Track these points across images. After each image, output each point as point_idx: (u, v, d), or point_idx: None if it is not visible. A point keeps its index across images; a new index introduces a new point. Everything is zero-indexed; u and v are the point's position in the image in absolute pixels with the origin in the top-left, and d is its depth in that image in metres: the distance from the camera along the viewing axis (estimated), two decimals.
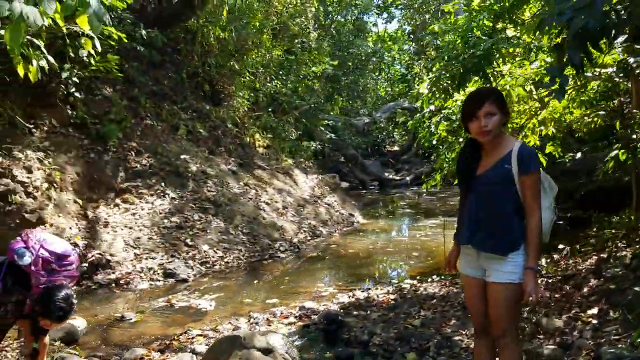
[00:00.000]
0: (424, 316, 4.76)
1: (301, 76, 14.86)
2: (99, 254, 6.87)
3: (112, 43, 8.31)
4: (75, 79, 8.11)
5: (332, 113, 16.83)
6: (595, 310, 3.84)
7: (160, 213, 8.07)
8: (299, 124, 16.62)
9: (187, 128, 10.12)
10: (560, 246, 5.60)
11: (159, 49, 10.34)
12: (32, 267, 2.68)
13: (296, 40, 15.27)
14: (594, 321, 3.71)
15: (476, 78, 5.17)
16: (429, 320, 4.61)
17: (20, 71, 5.95)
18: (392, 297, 5.61)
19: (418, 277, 6.64)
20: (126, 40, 8.50)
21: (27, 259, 2.66)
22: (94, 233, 7.16)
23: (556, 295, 4.45)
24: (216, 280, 6.92)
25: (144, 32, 9.61)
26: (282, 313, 5.32)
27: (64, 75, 7.76)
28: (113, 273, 6.77)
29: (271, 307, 5.62)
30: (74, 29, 6.69)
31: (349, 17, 18.23)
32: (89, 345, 4.71)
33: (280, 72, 14.66)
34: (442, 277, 6.40)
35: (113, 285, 6.61)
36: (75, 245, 6.75)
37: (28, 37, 5.92)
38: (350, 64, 16.48)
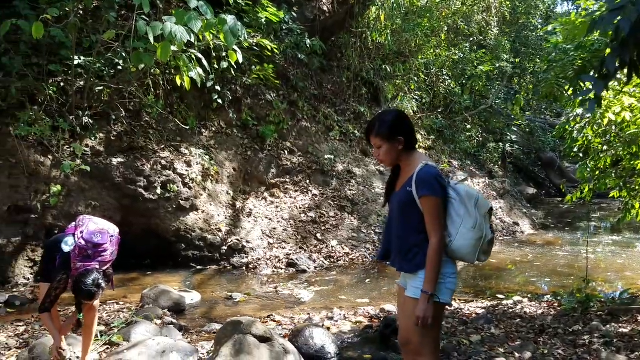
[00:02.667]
0: (490, 334, 4.37)
1: (475, 75, 14.16)
2: (237, 239, 7.80)
3: (268, 53, 9.30)
4: (238, 87, 9.27)
5: (513, 114, 15.61)
6: None
7: (300, 207, 8.73)
8: (481, 125, 15.87)
9: (340, 129, 10.63)
10: None
11: (324, 55, 11.07)
12: (72, 254, 3.23)
13: (472, 39, 14.62)
14: None
15: None
16: (490, 339, 4.23)
17: (178, 81, 7.18)
18: (480, 311, 5.20)
19: (529, 295, 5.97)
20: (277, 51, 9.42)
21: (68, 247, 3.24)
22: (237, 221, 8.14)
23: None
24: (333, 275, 7.25)
25: (308, 41, 10.42)
26: (361, 312, 5.39)
27: (216, 85, 8.86)
28: (246, 257, 7.63)
29: (358, 306, 5.71)
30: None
31: (537, 12, 16.63)
32: (190, 316, 5.49)
33: (454, 72, 14.21)
34: (557, 297, 5.67)
35: (244, 268, 7.46)
36: (219, 230, 7.81)
37: (191, 50, 7.12)
38: (537, 61, 15.06)
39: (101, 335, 4.11)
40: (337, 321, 5.06)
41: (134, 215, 7.24)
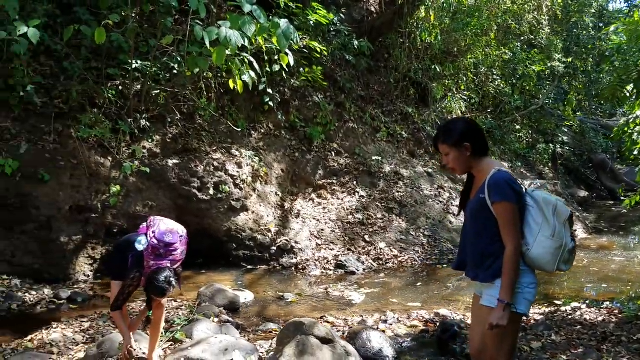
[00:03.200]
0: (551, 341, 4.27)
1: (526, 75, 13.84)
2: (286, 240, 7.88)
3: (317, 55, 9.35)
4: (286, 89, 9.36)
5: (565, 114, 15.16)
6: None
7: (347, 209, 8.74)
8: (531, 126, 15.52)
9: (387, 130, 10.58)
10: None
11: (371, 55, 11.05)
12: (145, 253, 3.38)
13: (522, 38, 14.27)
14: None
15: None
16: (551, 346, 4.12)
17: (231, 84, 7.32)
18: (538, 317, 5.08)
19: (587, 301, 5.78)
20: (326, 53, 9.45)
21: (141, 246, 3.38)
22: (285, 222, 8.22)
23: None
24: (382, 277, 7.22)
25: (356, 42, 10.42)
26: (415, 316, 5.35)
27: (267, 88, 8.96)
28: (295, 258, 7.70)
29: (411, 310, 5.67)
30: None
31: (590, 10, 16.04)
32: (244, 315, 5.59)
33: (505, 72, 13.92)
34: (617, 303, 5.48)
35: (293, 268, 7.53)
36: (268, 230, 7.91)
37: (244, 54, 7.24)
38: (591, 60, 14.58)
39: (164, 332, 4.23)
40: (391, 324, 5.04)
41: (187, 215, 7.41)
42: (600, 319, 5.05)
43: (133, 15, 6.94)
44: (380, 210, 8.86)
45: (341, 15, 10.40)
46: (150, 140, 7.21)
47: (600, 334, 4.49)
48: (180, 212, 7.32)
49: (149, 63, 7.18)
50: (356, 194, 9.11)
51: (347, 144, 9.93)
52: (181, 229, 3.50)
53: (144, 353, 3.72)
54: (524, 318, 5.10)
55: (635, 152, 6.15)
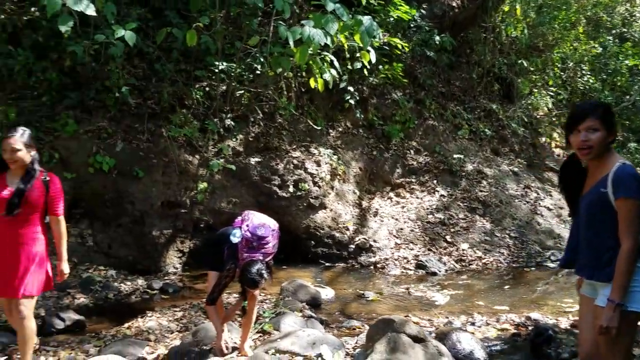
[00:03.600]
0: None
1: (618, 70, 12.94)
2: (364, 239, 7.84)
3: (398, 52, 9.24)
4: (365, 87, 9.32)
5: None
6: None
7: (427, 208, 8.55)
8: (622, 124, 14.49)
9: (469, 128, 10.26)
10: None
11: (453, 51, 10.76)
12: (239, 245, 3.47)
13: (614, 31, 13.36)
14: None
15: None
16: None
17: (312, 84, 7.39)
18: None
19: None
20: (407, 49, 9.31)
21: (236, 239, 3.48)
22: (363, 220, 8.18)
23: None
24: (465, 279, 7.00)
25: (437, 38, 10.18)
26: (505, 319, 5.13)
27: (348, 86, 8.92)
28: (374, 257, 7.63)
29: (499, 313, 5.44)
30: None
31: None
32: (326, 311, 5.61)
33: (594, 67, 13.10)
34: None
35: (372, 267, 7.47)
36: (346, 229, 7.90)
37: (325, 53, 7.29)
38: None
39: (254, 324, 4.32)
40: (479, 327, 4.87)
41: (268, 211, 7.38)
42: None
43: (220, 17, 7.19)
44: (462, 210, 8.60)
45: (422, 10, 10.21)
46: (234, 139, 7.43)
47: None
48: (261, 209, 7.40)
49: (234, 64, 7.40)
50: (436, 193, 8.90)
51: (427, 142, 9.73)
52: (273, 223, 3.58)
53: (235, 343, 3.82)
54: None
55: None
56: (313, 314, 5.18)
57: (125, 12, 7.15)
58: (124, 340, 4.21)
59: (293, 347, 3.58)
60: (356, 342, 4.15)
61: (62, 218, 3.49)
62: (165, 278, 6.53)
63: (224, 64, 7.37)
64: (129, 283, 6.14)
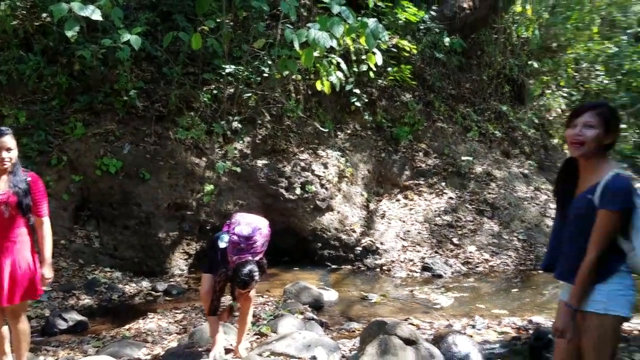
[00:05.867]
0: None
1: (633, 70, 12.74)
2: (371, 241, 7.83)
3: (406, 54, 9.22)
4: (373, 89, 9.32)
5: None
6: None
7: (434, 211, 8.51)
8: (638, 125, 14.30)
9: (479, 130, 10.18)
10: None
11: (463, 52, 10.69)
12: (228, 249, 3.51)
13: (629, 31, 13.15)
14: None
15: None
16: None
17: (318, 86, 7.42)
18: None
19: None
20: (415, 51, 9.27)
21: (224, 244, 3.54)
22: (370, 222, 8.17)
23: None
24: (471, 282, 6.95)
25: (447, 39, 10.12)
26: (506, 322, 5.08)
27: (354, 89, 8.93)
28: (380, 259, 7.62)
29: (502, 316, 5.40)
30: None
31: None
32: (328, 313, 5.62)
33: (609, 68, 12.91)
34: None
35: (378, 269, 7.46)
36: (353, 231, 7.90)
37: (331, 55, 7.32)
38: None
39: (252, 325, 4.36)
40: (480, 330, 4.83)
41: (274, 214, 7.58)
42: None
43: (227, 20, 7.25)
44: (470, 213, 8.53)
45: (431, 12, 10.17)
46: (241, 141, 7.48)
47: None
48: (267, 211, 7.50)
49: (242, 67, 7.46)
50: (444, 195, 8.84)
51: (436, 144, 9.68)
52: (262, 222, 3.61)
53: (231, 345, 3.85)
54: (626, 327, 4.71)
55: None
56: (314, 316, 5.20)
57: (135, 16, 7.27)
58: (122, 341, 4.28)
59: (288, 349, 3.60)
60: (353, 344, 4.16)
61: (46, 219, 3.35)
62: (171, 280, 6.60)
63: (232, 66, 7.43)
64: (133, 285, 6.22)
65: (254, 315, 4.86)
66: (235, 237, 3.46)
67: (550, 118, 11.89)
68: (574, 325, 2.28)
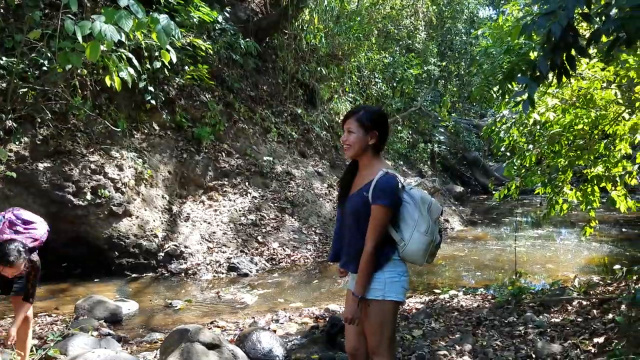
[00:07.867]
0: (431, 328, 4.52)
1: (405, 78, 14.62)
2: (175, 245, 7.58)
3: (202, 53, 9.11)
4: (171, 87, 9.01)
5: (440, 115, 16.29)
6: (600, 340, 3.32)
7: (239, 210, 8.61)
8: (411, 127, 16.39)
9: (278, 131, 10.61)
10: (617, 266, 4.85)
11: (259, 56, 10.98)
12: (1, 225, 3.25)
13: (401, 43, 15.08)
14: (593, 350, 3.21)
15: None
16: (431, 333, 4.37)
17: (108, 82, 6.87)
18: (419, 306, 5.36)
19: (464, 289, 6.23)
20: (211, 51, 9.24)
21: None
22: (174, 226, 7.91)
23: (579, 319, 3.90)
24: (276, 277, 7.21)
25: (242, 42, 10.27)
26: (306, 313, 5.40)
27: (148, 86, 8.58)
28: (185, 263, 7.43)
29: (303, 307, 5.72)
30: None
31: (462, 16, 17.41)
32: (128, 326, 5.28)
33: (385, 75, 14.59)
34: (490, 291, 5.95)
35: (183, 274, 7.26)
36: (155, 236, 7.55)
37: (121, 50, 6.82)
38: (463, 64, 15.83)
39: (36, 350, 3.86)
40: (282, 323, 5.04)
41: (62, 222, 6.83)
42: (475, 305, 5.43)
43: None
44: (273, 211, 8.84)
45: (226, 14, 10.23)
46: (17, 143, 6.57)
47: (475, 319, 4.79)
48: (53, 220, 6.67)
49: (15, 60, 6.54)
50: (248, 194, 9.01)
51: (238, 145, 9.80)
52: (42, 220, 3.47)
53: None
54: (406, 307, 5.41)
55: (502, 149, 6.70)
56: (111, 332, 4.85)
57: None
58: None
59: None
60: (154, 357, 3.97)
61: None
62: None
63: (4, 59, 6.47)
64: None
65: (39, 338, 4.33)
66: (14, 217, 3.28)
67: (339, 121, 12.97)
68: (361, 312, 2.50)
